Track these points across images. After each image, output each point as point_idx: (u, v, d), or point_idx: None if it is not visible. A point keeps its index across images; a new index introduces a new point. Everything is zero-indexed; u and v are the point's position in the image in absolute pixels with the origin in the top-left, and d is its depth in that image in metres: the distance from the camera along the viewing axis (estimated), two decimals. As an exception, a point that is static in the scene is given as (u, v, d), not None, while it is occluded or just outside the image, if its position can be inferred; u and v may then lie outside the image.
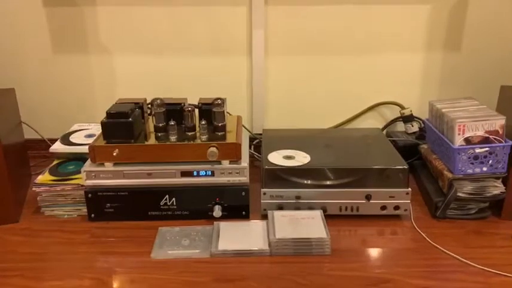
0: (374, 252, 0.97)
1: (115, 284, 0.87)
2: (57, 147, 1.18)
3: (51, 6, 1.32)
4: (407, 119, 1.38)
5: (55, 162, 1.19)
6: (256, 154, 1.38)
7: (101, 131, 1.05)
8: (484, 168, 1.05)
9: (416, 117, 1.38)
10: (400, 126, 1.42)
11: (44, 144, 1.41)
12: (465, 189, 1.06)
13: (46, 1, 1.31)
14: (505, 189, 1.05)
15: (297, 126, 1.43)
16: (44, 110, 1.42)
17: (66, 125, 1.35)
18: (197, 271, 0.91)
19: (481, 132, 1.05)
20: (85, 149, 1.14)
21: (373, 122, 1.44)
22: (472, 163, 1.05)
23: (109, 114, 1.03)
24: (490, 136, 1.05)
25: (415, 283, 0.87)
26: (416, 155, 1.30)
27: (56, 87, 1.40)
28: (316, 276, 0.89)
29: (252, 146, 1.40)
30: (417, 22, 1.34)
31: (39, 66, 1.38)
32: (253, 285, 0.87)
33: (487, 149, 1.04)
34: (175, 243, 0.99)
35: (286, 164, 1.08)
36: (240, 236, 1.00)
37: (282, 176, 1.07)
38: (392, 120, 1.43)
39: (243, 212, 1.08)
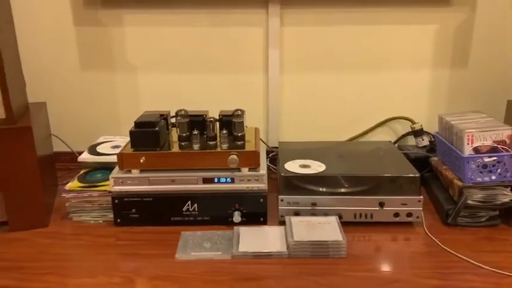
0: (388, 256, 1.01)
1: (142, 282, 0.92)
2: (85, 157, 1.25)
3: (80, 26, 1.41)
4: (418, 133, 1.43)
5: (83, 171, 1.25)
6: (272, 166, 1.43)
7: (125, 142, 1.12)
8: (493, 177, 1.10)
9: (427, 132, 1.44)
10: (411, 141, 1.48)
11: (68, 156, 1.49)
12: (475, 197, 1.10)
13: (76, 21, 1.40)
14: (514, 197, 1.10)
15: (311, 140, 1.49)
16: (71, 123, 1.50)
17: (92, 138, 1.42)
18: (219, 271, 0.96)
19: (489, 142, 1.10)
20: (111, 159, 1.22)
21: (385, 136, 1.50)
22: (481, 172, 1.10)
23: (137, 124, 1.10)
24: (498, 146, 1.10)
25: (427, 283, 0.91)
26: (427, 167, 1.35)
27: (83, 102, 1.48)
28: (333, 277, 0.93)
29: (268, 159, 1.46)
30: (425, 41, 1.41)
31: (67, 82, 1.46)
32: (272, 284, 0.91)
33: (495, 158, 1.09)
34: (197, 246, 1.04)
35: (302, 172, 1.13)
36: (259, 240, 1.05)
37: (298, 184, 1.13)
38: (403, 135, 1.49)
39: (261, 218, 1.13)
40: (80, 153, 1.28)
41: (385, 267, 0.97)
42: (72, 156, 1.47)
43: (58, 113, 1.48)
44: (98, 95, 1.48)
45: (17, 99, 1.14)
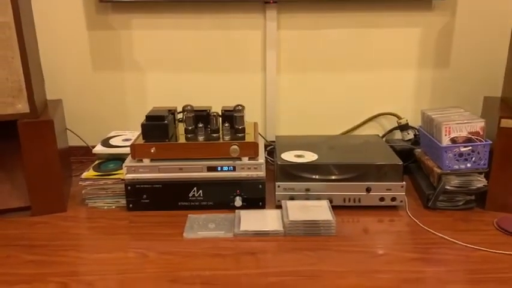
0: (374, 235, 1.13)
1: (154, 256, 1.04)
2: (99, 149, 1.36)
3: (92, 30, 1.53)
4: (404, 127, 1.56)
5: (97, 161, 1.37)
6: (270, 158, 1.55)
7: (135, 136, 1.23)
8: (468, 165, 1.22)
9: (412, 126, 1.56)
10: (398, 135, 1.60)
11: (81, 150, 1.61)
12: (452, 182, 1.22)
13: (89, 25, 1.52)
14: (487, 183, 1.22)
15: (306, 134, 1.61)
16: (83, 120, 1.62)
17: (102, 133, 1.54)
18: (223, 247, 1.07)
19: (464, 133, 1.22)
20: (123, 150, 1.34)
21: (374, 131, 1.62)
22: (458, 160, 1.22)
23: (148, 117, 1.22)
24: (472, 136, 1.22)
25: (409, 256, 1.03)
26: (411, 158, 1.47)
27: (94, 100, 1.60)
28: (324, 251, 1.05)
29: (266, 152, 1.58)
30: (410, 43, 1.53)
31: (80, 81, 1.58)
32: (270, 257, 1.03)
33: (470, 147, 1.21)
34: (203, 227, 1.16)
35: (297, 161, 1.25)
36: (258, 221, 1.17)
37: (293, 171, 1.25)
38: (390, 130, 1.61)
39: (260, 203, 1.25)
40: (93, 147, 1.40)
41: (372, 244, 1.09)
42: (85, 150, 1.59)
43: (71, 110, 1.60)
44: (108, 94, 1.60)
45: (38, 96, 1.25)
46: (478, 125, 1.22)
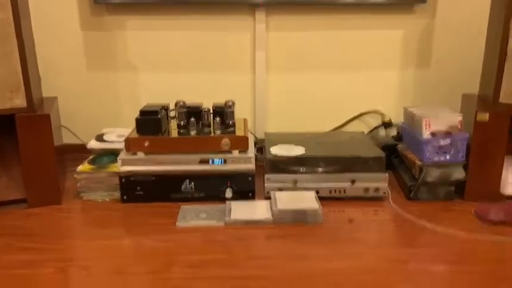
0: (359, 223, 1.19)
1: (149, 242, 1.08)
2: (94, 144, 1.40)
3: (87, 31, 1.58)
4: (388, 125, 1.63)
5: (91, 156, 1.41)
6: (259, 155, 1.60)
7: (129, 132, 1.28)
8: (448, 157, 1.29)
9: (395, 123, 1.63)
10: (382, 132, 1.67)
11: (74, 147, 1.64)
12: (433, 174, 1.28)
13: (83, 26, 1.57)
14: (466, 174, 1.28)
15: (294, 131, 1.67)
16: (77, 118, 1.65)
17: (96, 131, 1.57)
18: (214, 234, 1.12)
19: (443, 127, 1.29)
20: (117, 146, 1.38)
21: (359, 128, 1.69)
22: (437, 152, 1.28)
23: (142, 112, 1.26)
24: (451, 130, 1.29)
25: (391, 241, 1.09)
26: (395, 153, 1.53)
27: (88, 99, 1.64)
28: (311, 238, 1.11)
29: (255, 149, 1.63)
30: (393, 44, 1.61)
31: (74, 81, 1.62)
32: (260, 243, 1.08)
33: (449, 140, 1.28)
34: (195, 216, 1.20)
35: (285, 154, 1.31)
36: (248, 210, 1.22)
37: (281, 165, 1.30)
38: (375, 127, 1.68)
39: (250, 194, 1.30)
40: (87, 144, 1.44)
41: (357, 231, 1.14)
42: (79, 147, 1.62)
43: (66, 109, 1.64)
44: (102, 93, 1.64)
45: (35, 92, 1.29)
46: (457, 119, 1.29)
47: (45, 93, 1.59)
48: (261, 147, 1.62)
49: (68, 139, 1.61)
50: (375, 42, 1.61)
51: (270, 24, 1.58)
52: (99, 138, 1.44)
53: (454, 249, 1.05)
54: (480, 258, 1.02)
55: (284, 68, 1.63)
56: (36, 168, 1.25)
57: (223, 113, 1.33)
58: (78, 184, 1.32)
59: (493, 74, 1.27)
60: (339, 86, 1.65)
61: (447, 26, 1.59)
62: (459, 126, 1.29)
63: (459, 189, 1.32)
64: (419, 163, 1.30)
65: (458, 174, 1.29)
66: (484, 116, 1.25)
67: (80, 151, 1.64)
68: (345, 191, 1.30)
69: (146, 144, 1.26)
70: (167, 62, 1.62)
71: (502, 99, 1.26)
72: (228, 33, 1.59)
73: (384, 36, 1.60)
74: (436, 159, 1.29)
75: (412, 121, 1.39)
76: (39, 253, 1.04)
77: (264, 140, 1.50)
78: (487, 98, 1.31)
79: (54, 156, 1.27)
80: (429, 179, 1.28)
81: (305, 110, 1.67)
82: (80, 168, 1.33)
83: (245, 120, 1.45)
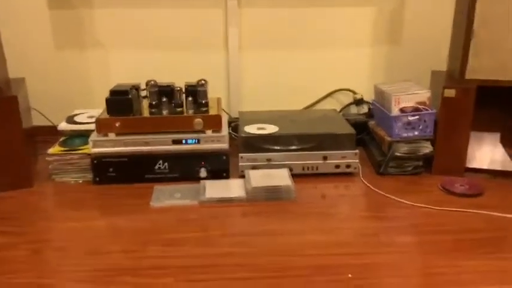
0: (331, 198, 1.22)
1: (123, 223, 1.09)
2: (64, 125, 1.38)
3: (54, 9, 1.53)
4: (359, 102, 1.65)
5: (62, 138, 1.39)
6: (233, 133, 1.61)
7: (100, 113, 1.26)
8: (416, 132, 1.32)
9: (366, 101, 1.66)
10: (354, 109, 1.69)
11: (44, 130, 1.60)
12: (401, 149, 1.32)
13: (50, 4, 1.52)
14: (433, 149, 1.33)
15: (268, 109, 1.68)
16: (47, 98, 1.62)
17: (67, 112, 1.55)
18: (188, 213, 1.13)
19: (412, 103, 1.32)
20: (88, 127, 1.36)
21: (332, 106, 1.71)
22: (406, 128, 1.32)
23: (112, 92, 1.25)
24: (420, 106, 1.32)
25: (361, 214, 1.13)
26: (366, 130, 1.56)
27: (57, 79, 1.61)
28: (285, 214, 1.13)
29: (230, 128, 1.63)
30: (364, 21, 1.62)
31: (43, 60, 1.58)
32: (234, 220, 1.10)
33: (417, 116, 1.31)
34: (169, 196, 1.21)
35: (259, 133, 1.32)
36: (222, 189, 1.23)
37: (255, 143, 1.31)
38: (347, 104, 1.70)
39: (224, 174, 1.31)
40: (57, 125, 1.41)
41: (329, 206, 1.17)
42: (49, 129, 1.59)
43: (34, 90, 1.60)
44: (71, 72, 1.61)
45: (0, 74, 1.26)
46: (425, 95, 1.32)
47: (12, 74, 1.55)
48: (235, 127, 1.62)
49: (38, 121, 1.58)
50: (347, 20, 1.62)
51: (242, 0, 1.57)
52: (70, 119, 1.42)
53: (422, 221, 1.10)
54: (446, 229, 1.06)
55: (257, 45, 1.63)
56: (5, 152, 1.23)
57: (196, 92, 1.32)
58: (50, 166, 1.31)
59: (459, 51, 1.30)
60: (311, 64, 1.66)
61: (418, 2, 1.61)
62: (427, 103, 1.32)
63: (427, 164, 1.36)
64: (389, 139, 1.33)
65: (426, 149, 1.33)
66: (451, 92, 1.28)
67: (51, 133, 1.61)
68: (317, 167, 1.33)
69: (117, 125, 1.25)
70: (137, 41, 1.59)
71: (468, 75, 1.29)
72: (199, 10, 1.57)
73: (356, 14, 1.61)
74: (404, 135, 1.32)
75: (382, 98, 1.41)
76: (12, 236, 1.03)
77: (238, 118, 1.51)
78: (455, 75, 1.35)
79: (23, 138, 1.24)
80: (398, 154, 1.32)
81: (278, 88, 1.68)
82: (51, 150, 1.31)
83: (219, 100, 1.44)
